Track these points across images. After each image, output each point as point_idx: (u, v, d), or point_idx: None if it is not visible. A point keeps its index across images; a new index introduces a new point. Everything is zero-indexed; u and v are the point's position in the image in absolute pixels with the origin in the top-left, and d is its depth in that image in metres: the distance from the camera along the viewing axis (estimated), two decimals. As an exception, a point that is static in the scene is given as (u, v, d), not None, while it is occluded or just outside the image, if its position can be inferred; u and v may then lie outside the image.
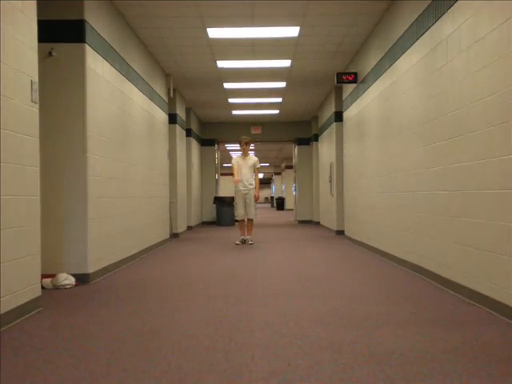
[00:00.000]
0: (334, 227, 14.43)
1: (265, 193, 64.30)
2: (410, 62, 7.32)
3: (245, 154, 11.69)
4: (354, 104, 11.53)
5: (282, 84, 14.06)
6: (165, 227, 12.20)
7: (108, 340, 3.91)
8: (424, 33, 6.64)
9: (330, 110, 15.33)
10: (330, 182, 15.01)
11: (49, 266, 6.48)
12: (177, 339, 3.92)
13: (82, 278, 6.64)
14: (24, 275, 4.77)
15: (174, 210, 13.71)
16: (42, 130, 6.42)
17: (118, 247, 8.12)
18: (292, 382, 2.97)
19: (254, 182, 11.67)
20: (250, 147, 28.19)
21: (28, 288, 4.84)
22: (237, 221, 12.35)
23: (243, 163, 11.60)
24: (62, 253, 6.63)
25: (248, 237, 11.80)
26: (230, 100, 16.20)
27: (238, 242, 11.67)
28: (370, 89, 9.94)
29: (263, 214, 30.83)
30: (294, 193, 21.63)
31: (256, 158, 11.73)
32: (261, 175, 57.45)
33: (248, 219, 11.76)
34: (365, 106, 10.44)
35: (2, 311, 4.34)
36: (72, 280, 6.39)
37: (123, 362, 3.37)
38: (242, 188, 11.62)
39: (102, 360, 3.41)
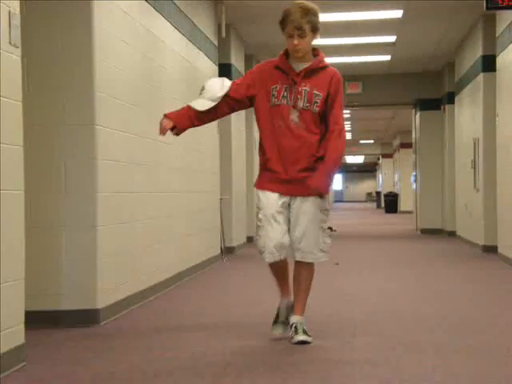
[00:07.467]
0: (481, 240, 10.90)
1: (367, 187, 48.83)
2: None
3: (298, 60, 4.33)
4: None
5: (398, 12, 10.51)
6: (213, 238, 8.86)
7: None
8: None
9: (474, 53, 11.54)
10: (474, 168, 11.51)
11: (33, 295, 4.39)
12: None
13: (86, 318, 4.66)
14: None
15: (227, 212, 10.34)
16: (27, 89, 4.47)
17: (142, 270, 5.75)
18: None
19: (318, 150, 4.07)
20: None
21: None
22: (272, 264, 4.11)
23: (289, 91, 4.16)
24: (55, 280, 4.69)
25: (297, 317, 4.03)
26: (314, 40, 12.48)
27: (275, 332, 4.13)
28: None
29: (363, 219, 22.47)
30: (414, 186, 17.18)
31: (333, 73, 4.26)
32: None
33: (298, 263, 4.08)
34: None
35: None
36: None
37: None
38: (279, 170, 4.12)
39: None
